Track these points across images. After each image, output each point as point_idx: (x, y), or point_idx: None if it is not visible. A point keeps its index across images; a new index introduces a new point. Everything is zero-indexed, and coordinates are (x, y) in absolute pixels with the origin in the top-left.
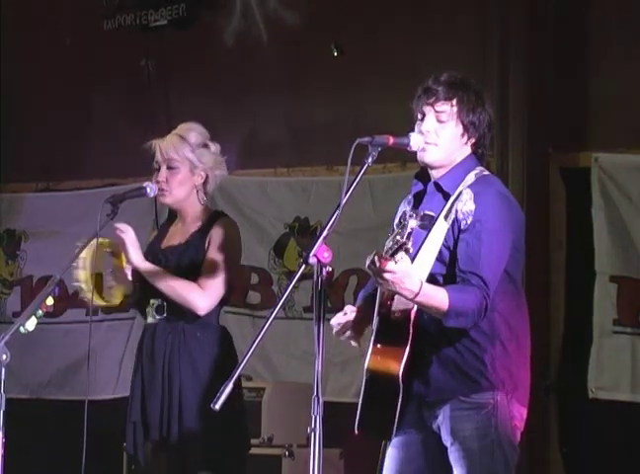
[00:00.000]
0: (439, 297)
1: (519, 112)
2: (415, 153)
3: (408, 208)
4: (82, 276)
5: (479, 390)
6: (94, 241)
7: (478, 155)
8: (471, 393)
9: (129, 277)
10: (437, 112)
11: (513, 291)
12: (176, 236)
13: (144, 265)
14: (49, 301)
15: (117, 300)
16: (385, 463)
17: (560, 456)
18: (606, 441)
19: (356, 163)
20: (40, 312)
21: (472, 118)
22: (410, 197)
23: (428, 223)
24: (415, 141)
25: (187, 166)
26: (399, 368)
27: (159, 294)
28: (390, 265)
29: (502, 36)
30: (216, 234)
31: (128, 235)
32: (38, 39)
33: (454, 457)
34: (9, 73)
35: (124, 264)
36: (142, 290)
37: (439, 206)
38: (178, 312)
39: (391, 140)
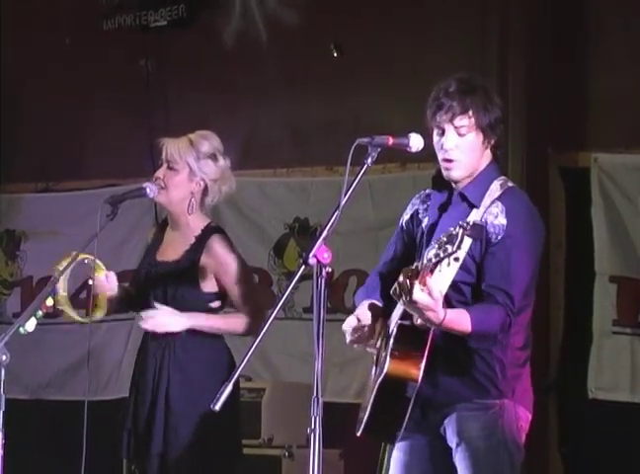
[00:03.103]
0: (462, 322)
1: (518, 112)
2: (415, 153)
3: (422, 207)
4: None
5: (487, 397)
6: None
7: (496, 156)
8: (479, 399)
9: (112, 286)
10: (456, 127)
11: (527, 305)
12: (170, 249)
13: (195, 324)
14: (49, 302)
15: (98, 313)
16: (391, 467)
17: (559, 456)
18: (605, 441)
19: (355, 163)
20: (39, 313)
21: (489, 120)
22: (423, 194)
23: (478, 233)
24: (414, 142)
25: (186, 171)
26: (419, 374)
27: (153, 304)
28: (417, 292)
29: (501, 35)
30: (224, 262)
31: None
32: (37, 38)
33: (460, 457)
34: (9, 73)
35: (103, 274)
36: (138, 294)
37: (463, 215)
38: None
39: (391, 141)
